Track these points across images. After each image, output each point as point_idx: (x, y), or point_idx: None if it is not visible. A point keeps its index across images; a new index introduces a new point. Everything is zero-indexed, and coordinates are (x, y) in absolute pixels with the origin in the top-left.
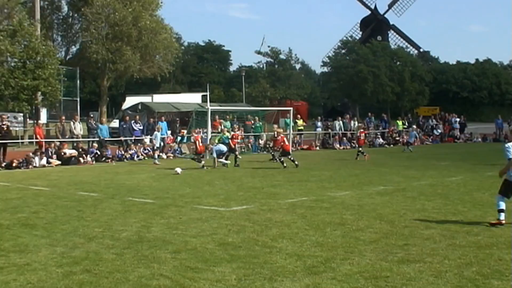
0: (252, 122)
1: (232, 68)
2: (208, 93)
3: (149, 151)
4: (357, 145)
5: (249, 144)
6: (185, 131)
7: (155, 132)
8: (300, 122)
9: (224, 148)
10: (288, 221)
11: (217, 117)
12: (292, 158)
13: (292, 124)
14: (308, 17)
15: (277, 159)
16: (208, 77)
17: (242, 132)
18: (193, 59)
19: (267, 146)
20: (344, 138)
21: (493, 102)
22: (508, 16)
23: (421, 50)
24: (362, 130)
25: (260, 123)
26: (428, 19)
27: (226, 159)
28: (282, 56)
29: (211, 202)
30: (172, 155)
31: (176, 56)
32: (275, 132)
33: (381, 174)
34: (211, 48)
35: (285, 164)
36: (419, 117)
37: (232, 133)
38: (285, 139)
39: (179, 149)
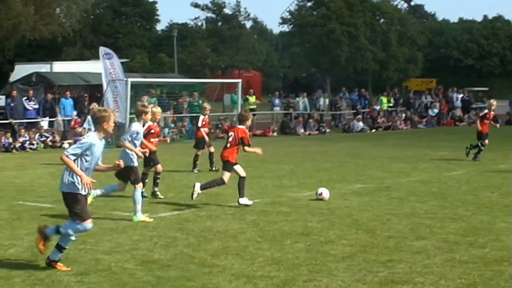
0: (188, 99)
1: (160, 27)
2: (104, 59)
3: (46, 138)
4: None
5: (184, 129)
6: None
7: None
8: (252, 99)
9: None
10: (234, 231)
11: (153, 91)
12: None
13: (241, 101)
14: None
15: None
16: (127, 38)
17: (172, 112)
18: (107, 14)
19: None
20: (310, 121)
21: (507, 73)
22: None
23: (412, 3)
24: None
25: (199, 100)
26: None
27: None
28: (227, 10)
29: (131, 207)
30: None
31: (84, 10)
32: (492, 106)
33: (358, 168)
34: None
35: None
36: (410, 92)
37: (202, 117)
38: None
39: None
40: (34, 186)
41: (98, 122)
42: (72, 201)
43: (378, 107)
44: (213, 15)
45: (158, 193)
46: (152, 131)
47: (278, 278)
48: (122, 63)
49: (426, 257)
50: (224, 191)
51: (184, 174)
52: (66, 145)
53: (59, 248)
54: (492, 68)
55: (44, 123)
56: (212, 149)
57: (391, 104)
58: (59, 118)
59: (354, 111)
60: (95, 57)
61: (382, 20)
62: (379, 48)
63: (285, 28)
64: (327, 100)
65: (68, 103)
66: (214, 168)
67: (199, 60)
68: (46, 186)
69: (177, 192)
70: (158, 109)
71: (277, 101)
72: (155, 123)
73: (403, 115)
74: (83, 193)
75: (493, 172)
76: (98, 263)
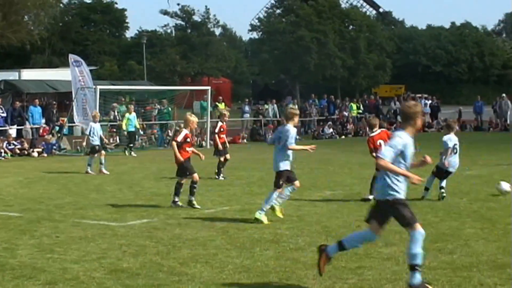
0: (157, 107)
1: (130, 34)
2: (73, 67)
3: (15, 146)
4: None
5: (153, 136)
6: (66, 119)
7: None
8: (221, 106)
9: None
10: (203, 238)
11: (122, 98)
12: None
13: (210, 109)
14: None
15: None
16: (96, 45)
17: (141, 120)
18: (76, 21)
19: None
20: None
21: (475, 79)
22: None
23: (381, 10)
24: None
25: (169, 108)
26: None
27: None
28: (196, 18)
29: (100, 215)
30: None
31: (52, 17)
32: None
33: (328, 174)
34: (100, 7)
35: None
36: (376, 98)
37: (220, 124)
38: None
39: (57, 144)
40: (2, 194)
41: (411, 118)
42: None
43: (347, 114)
44: (182, 23)
45: (194, 202)
46: (188, 139)
47: (247, 286)
48: (91, 70)
49: (395, 264)
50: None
51: (153, 181)
52: (35, 153)
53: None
54: (460, 74)
55: (13, 131)
56: (228, 156)
57: (360, 111)
58: (28, 126)
59: (323, 117)
60: (64, 64)
61: (351, 27)
62: (348, 54)
63: (255, 35)
64: (296, 107)
65: (36, 111)
66: (219, 177)
67: (169, 67)
68: (14, 195)
69: (146, 200)
70: (195, 118)
71: (246, 108)
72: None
73: None
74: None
75: (462, 178)
76: (66, 272)
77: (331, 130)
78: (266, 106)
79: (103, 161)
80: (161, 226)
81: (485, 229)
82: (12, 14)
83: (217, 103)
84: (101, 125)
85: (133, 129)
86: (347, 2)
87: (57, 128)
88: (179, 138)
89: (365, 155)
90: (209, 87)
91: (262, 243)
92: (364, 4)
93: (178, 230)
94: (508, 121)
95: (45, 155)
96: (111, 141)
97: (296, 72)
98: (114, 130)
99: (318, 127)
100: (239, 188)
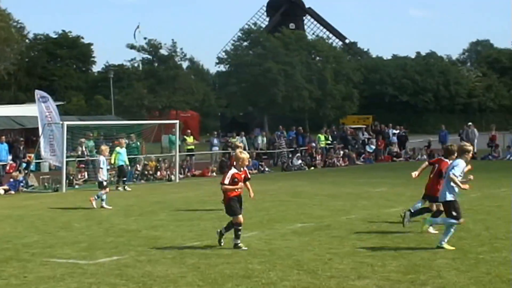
0: (125, 141)
1: (96, 68)
2: (39, 103)
3: None
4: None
5: None
6: (33, 155)
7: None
8: (189, 139)
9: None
10: (174, 275)
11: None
12: None
13: (179, 142)
14: None
15: None
16: (63, 80)
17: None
18: (42, 56)
19: None
20: (249, 160)
21: (441, 108)
22: None
23: (347, 41)
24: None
25: (137, 142)
26: (355, 1)
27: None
28: (163, 51)
29: (69, 253)
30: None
31: (18, 53)
32: None
33: (298, 206)
34: (66, 42)
35: None
36: (346, 129)
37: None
38: None
39: (24, 180)
40: None
41: None
42: None
43: (315, 145)
44: (149, 56)
45: (240, 244)
46: (236, 179)
47: None
48: (58, 105)
49: None
50: (164, 235)
51: (122, 218)
52: (1, 191)
53: None
54: (427, 103)
55: None
56: None
57: (329, 141)
58: None
59: (292, 149)
60: (30, 100)
61: (317, 58)
62: (315, 86)
63: (222, 67)
64: (265, 139)
65: (3, 147)
66: None
67: (136, 101)
68: None
69: (116, 236)
70: (245, 155)
71: (215, 140)
72: (242, 169)
73: (341, 152)
74: None
75: None
76: None
77: (300, 161)
78: (234, 140)
79: (104, 197)
80: (131, 263)
81: (457, 259)
82: None
83: (185, 137)
84: (68, 161)
85: (122, 163)
86: (313, 33)
87: (24, 164)
88: (226, 180)
89: (334, 185)
90: (177, 121)
91: (234, 278)
92: (331, 35)
93: (149, 267)
94: (475, 150)
95: (12, 192)
96: (79, 176)
97: (264, 104)
98: (83, 165)
99: (287, 159)
100: (209, 222)
